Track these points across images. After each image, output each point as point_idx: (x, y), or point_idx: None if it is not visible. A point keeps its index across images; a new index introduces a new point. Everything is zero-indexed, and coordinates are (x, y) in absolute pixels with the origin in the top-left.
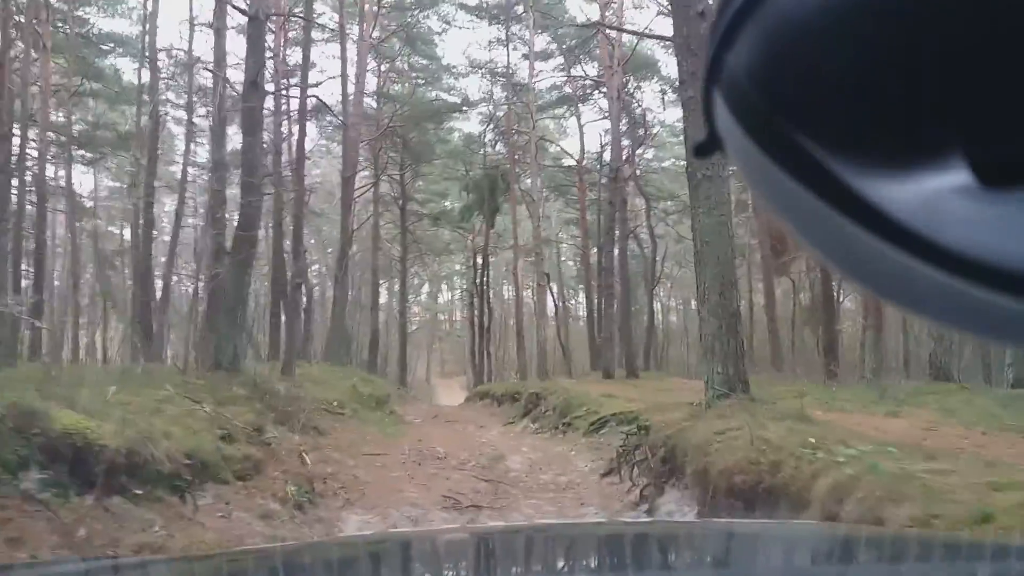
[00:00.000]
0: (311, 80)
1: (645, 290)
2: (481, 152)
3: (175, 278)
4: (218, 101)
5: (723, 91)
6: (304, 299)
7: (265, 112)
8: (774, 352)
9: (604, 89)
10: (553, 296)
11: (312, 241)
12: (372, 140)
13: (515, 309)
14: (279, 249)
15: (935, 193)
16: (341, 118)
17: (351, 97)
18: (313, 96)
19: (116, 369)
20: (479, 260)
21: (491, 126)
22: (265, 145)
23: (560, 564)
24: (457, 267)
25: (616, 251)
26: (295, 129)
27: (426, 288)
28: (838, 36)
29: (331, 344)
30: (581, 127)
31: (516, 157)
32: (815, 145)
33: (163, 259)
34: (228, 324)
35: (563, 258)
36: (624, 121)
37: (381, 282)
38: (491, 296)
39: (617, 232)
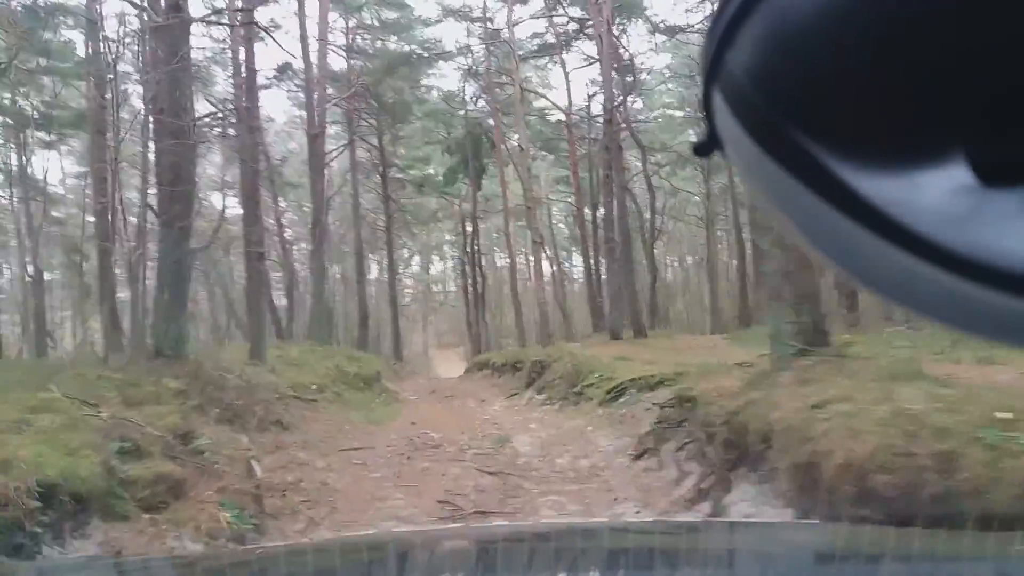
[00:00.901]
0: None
1: (643, 246)
2: (462, 111)
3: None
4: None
5: (723, 90)
6: (287, 276)
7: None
8: None
9: (590, 29)
10: (548, 258)
11: (295, 217)
12: (343, 99)
13: (509, 274)
14: (251, 218)
15: (935, 192)
16: (296, 56)
17: (313, 47)
18: (253, 22)
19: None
20: (468, 226)
21: (470, 79)
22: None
23: (562, 565)
24: (447, 236)
25: (615, 202)
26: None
27: (417, 260)
28: (838, 35)
29: (313, 322)
30: (567, 75)
31: (499, 112)
32: (815, 144)
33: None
34: (169, 303)
35: (555, 220)
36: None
37: (371, 256)
38: (483, 263)
39: (614, 182)
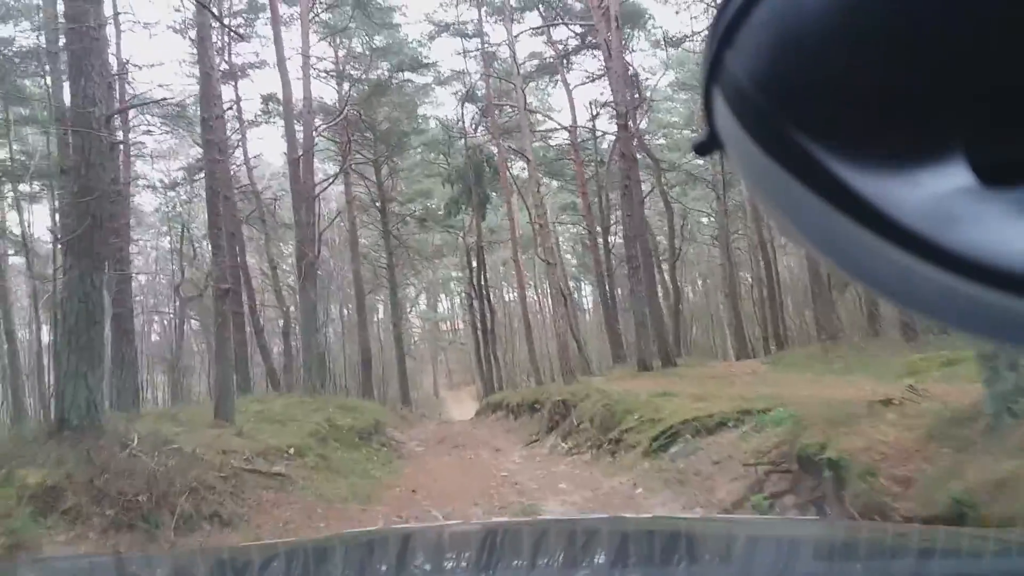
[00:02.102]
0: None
1: (658, 268)
2: (461, 139)
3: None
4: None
5: (723, 90)
6: (284, 322)
7: None
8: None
9: (592, 39)
10: (561, 287)
11: (291, 261)
12: (331, 125)
13: (520, 306)
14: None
15: (935, 193)
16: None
17: (296, 73)
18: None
19: None
20: (474, 260)
21: (468, 103)
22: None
23: (563, 559)
24: (453, 273)
25: (632, 217)
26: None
27: (423, 298)
28: (838, 35)
29: (304, 369)
30: (570, 92)
31: (501, 136)
32: (815, 144)
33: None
34: (75, 356)
35: (562, 249)
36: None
37: (375, 297)
38: (492, 297)
39: (632, 194)
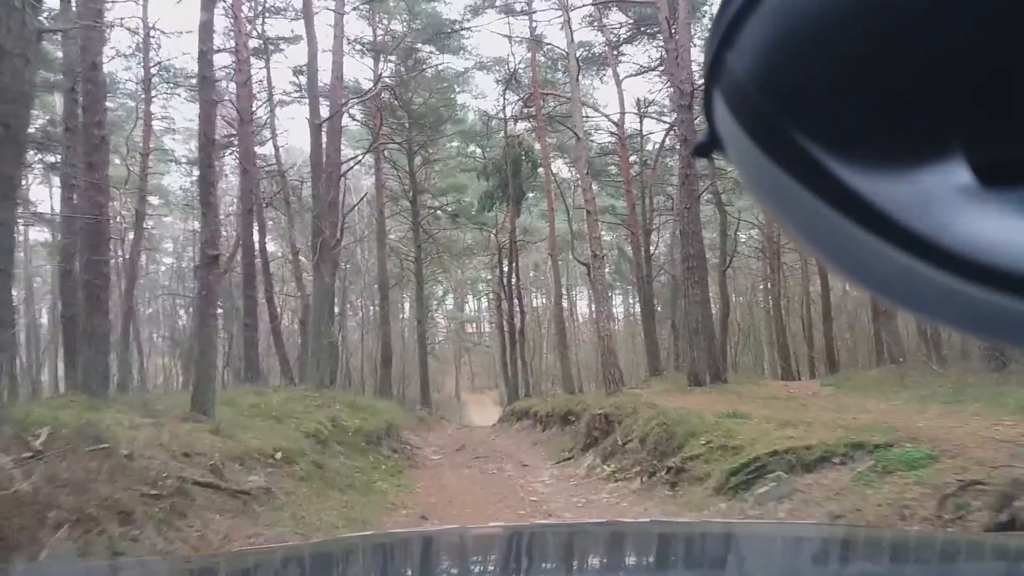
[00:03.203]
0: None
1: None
2: (499, 131)
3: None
4: None
5: (724, 91)
6: (303, 310)
7: None
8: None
9: (645, 28)
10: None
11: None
12: (361, 99)
13: (555, 308)
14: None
15: (935, 193)
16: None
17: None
18: None
19: None
20: (505, 258)
21: (509, 90)
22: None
23: (561, 563)
24: (482, 273)
25: (690, 212)
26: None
27: (451, 298)
28: (837, 36)
29: (311, 361)
30: (619, 84)
31: (544, 126)
32: (815, 145)
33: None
34: None
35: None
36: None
37: (402, 293)
38: (521, 296)
39: (693, 185)
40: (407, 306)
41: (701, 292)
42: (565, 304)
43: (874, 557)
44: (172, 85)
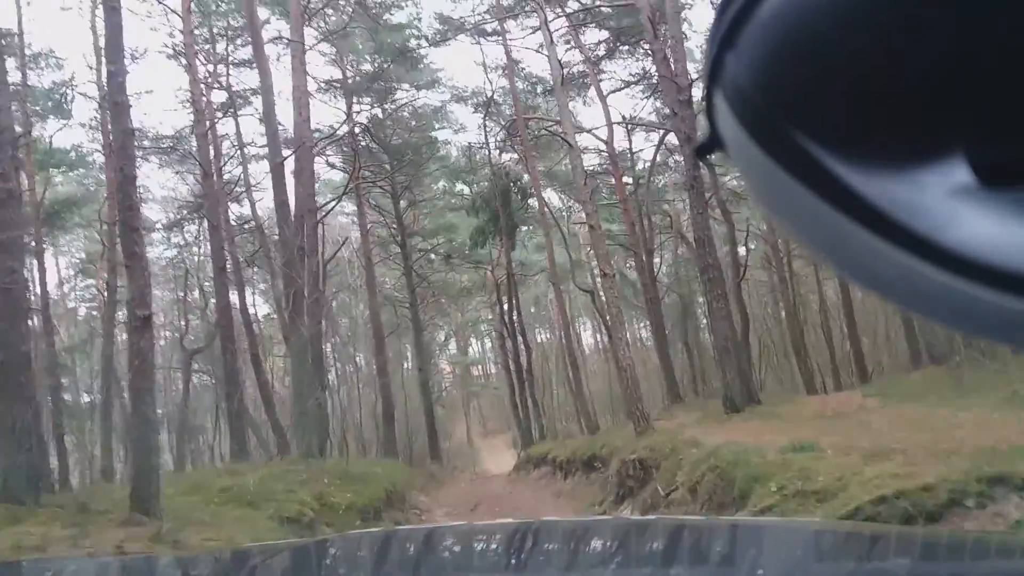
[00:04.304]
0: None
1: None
2: (485, 164)
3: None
4: None
5: (725, 92)
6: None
7: None
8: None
9: (623, 43)
10: (607, 324)
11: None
12: (334, 139)
13: (563, 339)
14: (223, 301)
15: (935, 192)
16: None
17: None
18: None
19: None
20: (504, 295)
21: (490, 119)
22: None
23: (564, 559)
24: (483, 313)
25: (702, 217)
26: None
27: (453, 343)
28: (838, 36)
29: (297, 427)
30: (604, 99)
31: (532, 154)
32: (816, 145)
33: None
34: None
35: (596, 281)
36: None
37: (402, 343)
38: (524, 332)
39: (703, 187)
40: (410, 355)
41: (725, 306)
42: (563, 337)
43: (876, 556)
44: (140, 151)
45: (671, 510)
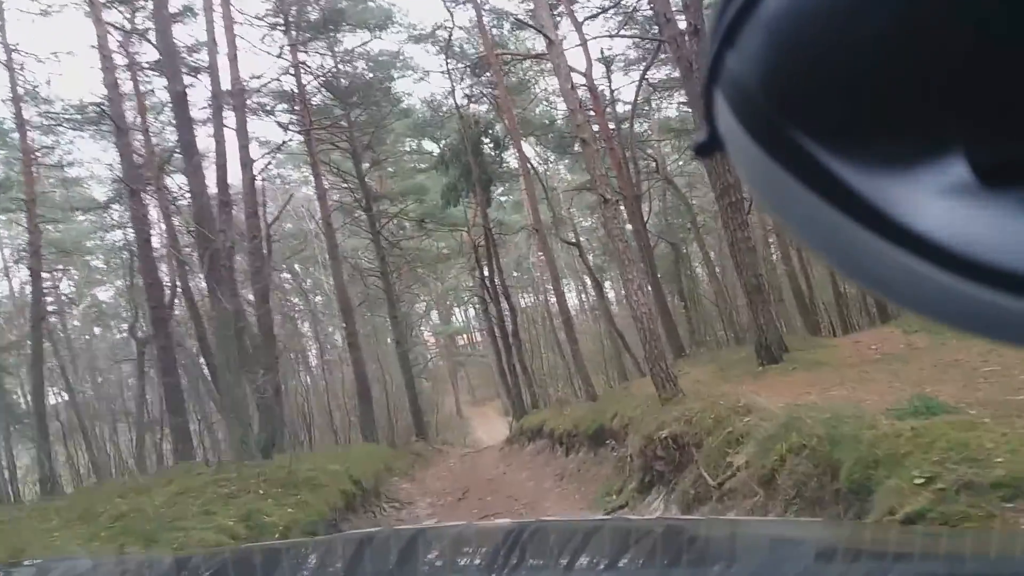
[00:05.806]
0: None
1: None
2: (452, 110)
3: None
4: None
5: (724, 90)
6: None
7: None
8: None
9: None
10: (596, 279)
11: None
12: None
13: (555, 295)
14: (152, 278)
15: (935, 192)
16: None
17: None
18: None
19: None
20: (482, 258)
21: (452, 58)
22: None
23: (563, 559)
24: (463, 280)
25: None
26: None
27: (435, 313)
28: (838, 35)
29: (233, 421)
30: (580, 29)
31: (506, 94)
32: (815, 144)
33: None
34: None
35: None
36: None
37: (380, 318)
38: (508, 295)
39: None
40: (391, 329)
41: (751, 236)
42: (546, 300)
43: (877, 556)
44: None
45: (727, 504)
